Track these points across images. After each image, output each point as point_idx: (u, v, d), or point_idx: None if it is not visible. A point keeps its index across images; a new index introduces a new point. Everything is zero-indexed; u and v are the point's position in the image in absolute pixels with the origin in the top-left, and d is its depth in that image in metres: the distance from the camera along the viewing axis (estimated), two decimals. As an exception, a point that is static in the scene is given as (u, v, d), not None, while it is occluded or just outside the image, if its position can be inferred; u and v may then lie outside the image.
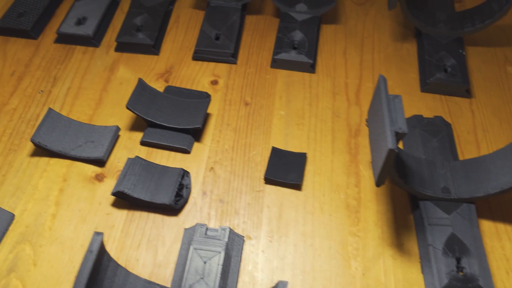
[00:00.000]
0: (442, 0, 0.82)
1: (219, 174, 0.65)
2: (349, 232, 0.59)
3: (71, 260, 0.57)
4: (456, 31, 0.78)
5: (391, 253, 0.57)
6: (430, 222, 0.57)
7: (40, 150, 0.66)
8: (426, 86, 0.74)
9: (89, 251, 0.45)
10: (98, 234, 0.46)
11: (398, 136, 0.47)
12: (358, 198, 0.63)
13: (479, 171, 0.58)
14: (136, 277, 0.53)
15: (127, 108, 0.66)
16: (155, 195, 0.61)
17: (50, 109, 0.67)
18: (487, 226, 0.59)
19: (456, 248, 0.55)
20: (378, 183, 0.53)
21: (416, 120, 0.69)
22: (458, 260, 0.54)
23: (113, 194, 0.60)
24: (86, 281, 0.43)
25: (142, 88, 0.69)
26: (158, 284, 0.53)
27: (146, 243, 0.58)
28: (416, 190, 0.58)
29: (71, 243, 0.58)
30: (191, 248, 0.55)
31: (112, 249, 0.58)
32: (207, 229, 0.57)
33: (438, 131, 0.67)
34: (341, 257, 0.57)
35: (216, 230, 0.57)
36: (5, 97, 0.73)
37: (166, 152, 0.67)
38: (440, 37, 0.78)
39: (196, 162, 0.66)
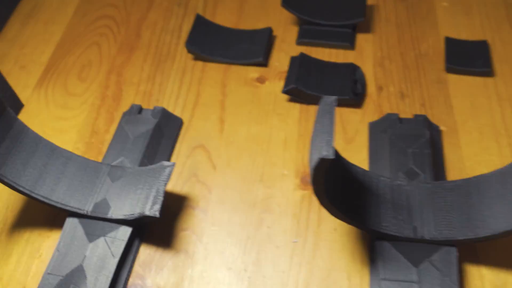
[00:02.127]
0: None
1: (390, 69, 0.59)
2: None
3: (253, 161, 0.52)
4: None
5: None
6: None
7: (192, 58, 0.62)
8: None
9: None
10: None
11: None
12: (559, 82, 0.55)
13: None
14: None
15: (283, 6, 0.61)
16: (330, 90, 0.55)
17: (198, 15, 0.63)
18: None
19: None
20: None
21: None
22: None
23: (285, 91, 0.55)
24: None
25: (294, -15, 0.63)
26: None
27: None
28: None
29: (247, 144, 0.54)
30: (388, 133, 0.50)
31: (290, 149, 0.53)
32: (399, 118, 0.51)
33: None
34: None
35: (409, 120, 0.51)
36: (142, 12, 0.69)
37: (327, 50, 0.61)
38: None
39: (361, 58, 0.60)
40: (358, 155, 0.52)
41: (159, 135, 0.53)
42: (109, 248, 0.45)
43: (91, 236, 0.45)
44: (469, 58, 0.57)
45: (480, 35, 0.61)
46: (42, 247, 0.47)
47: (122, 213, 0.45)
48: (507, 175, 0.40)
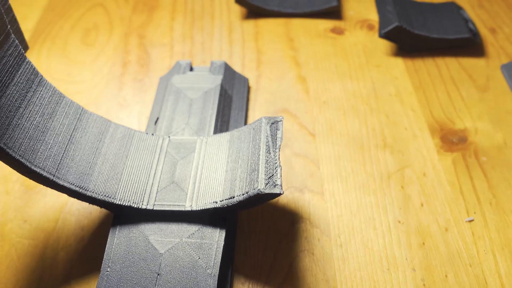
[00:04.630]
0: None
1: (495, 10, 0.47)
2: None
3: (365, 122, 0.37)
4: None
5: None
6: None
7: (238, 13, 0.47)
8: None
9: None
10: None
11: None
12: None
13: None
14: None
15: None
16: (439, 30, 0.42)
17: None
18: None
19: None
20: None
21: None
22: None
23: (385, 33, 0.41)
24: None
25: None
26: None
27: (455, 89, 0.39)
28: None
29: (349, 103, 0.38)
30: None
31: (411, 104, 0.38)
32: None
33: None
34: None
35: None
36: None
37: (409, -4, 0.49)
38: None
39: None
40: (502, 103, 0.38)
41: (228, 98, 0.37)
42: (197, 259, 0.27)
43: (162, 243, 0.27)
44: None
45: None
46: (72, 268, 0.28)
47: (211, 200, 0.28)
48: None
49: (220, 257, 0.27)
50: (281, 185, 0.26)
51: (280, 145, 0.28)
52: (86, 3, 0.49)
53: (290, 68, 0.42)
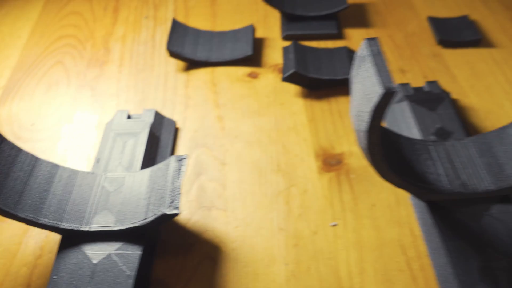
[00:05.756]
0: None
1: (383, 51, 0.57)
2: (559, 70, 0.52)
3: (266, 151, 0.47)
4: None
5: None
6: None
7: (173, 64, 0.57)
8: None
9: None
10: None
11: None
12: (546, 42, 0.56)
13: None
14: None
15: (265, 1, 0.58)
16: (330, 72, 0.52)
17: (174, 19, 0.59)
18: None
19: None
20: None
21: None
22: None
23: (285, 78, 0.51)
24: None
25: (267, -18, 0.61)
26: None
27: (339, 120, 0.49)
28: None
29: (255, 136, 0.48)
30: (405, 101, 0.47)
31: (303, 134, 0.48)
32: (410, 86, 0.49)
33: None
34: None
35: (422, 88, 0.49)
36: (107, 28, 0.64)
37: (314, 43, 0.59)
38: None
39: (350, 45, 0.58)
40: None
41: (155, 138, 0.47)
42: (121, 265, 0.37)
43: (95, 255, 0.37)
44: (457, 31, 0.57)
45: (457, 12, 0.62)
46: (32, 278, 0.38)
47: (132, 221, 0.38)
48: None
49: (137, 263, 0.36)
50: (178, 208, 0.36)
51: (182, 177, 0.38)
52: (48, 61, 0.59)
53: (211, 109, 0.52)
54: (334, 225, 0.41)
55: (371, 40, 0.34)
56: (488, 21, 0.60)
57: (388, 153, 0.38)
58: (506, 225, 0.37)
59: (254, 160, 0.46)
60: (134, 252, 0.37)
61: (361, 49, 0.34)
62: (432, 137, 0.44)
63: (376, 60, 0.32)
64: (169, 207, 0.36)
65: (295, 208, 0.42)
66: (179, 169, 0.39)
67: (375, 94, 0.30)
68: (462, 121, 0.45)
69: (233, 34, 0.59)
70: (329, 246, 0.39)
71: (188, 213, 0.42)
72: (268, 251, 0.39)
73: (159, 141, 0.47)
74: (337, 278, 0.37)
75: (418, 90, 0.49)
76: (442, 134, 0.44)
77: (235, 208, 0.42)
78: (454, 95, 0.51)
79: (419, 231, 0.40)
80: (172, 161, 0.40)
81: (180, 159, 0.40)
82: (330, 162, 0.45)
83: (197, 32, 0.59)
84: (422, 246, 0.39)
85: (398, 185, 0.37)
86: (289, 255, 0.39)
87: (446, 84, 0.52)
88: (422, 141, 0.42)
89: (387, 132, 0.40)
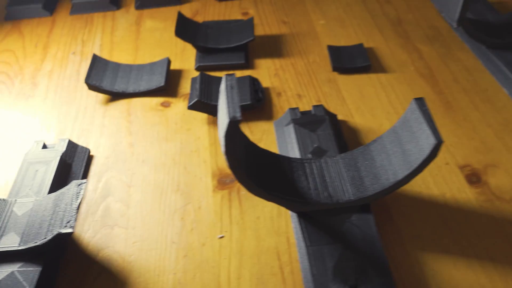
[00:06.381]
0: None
1: (285, 78, 0.63)
2: (432, 91, 0.59)
3: (168, 173, 0.52)
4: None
5: None
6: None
7: (94, 96, 0.62)
8: None
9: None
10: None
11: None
12: (429, 67, 0.63)
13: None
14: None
15: (177, 35, 0.64)
16: (232, 100, 0.58)
17: (94, 54, 0.64)
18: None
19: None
20: (459, 21, 0.53)
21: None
22: None
23: (190, 106, 0.57)
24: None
25: (183, 20, 0.67)
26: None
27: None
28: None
29: (160, 160, 0.53)
30: (292, 125, 0.52)
31: (204, 156, 0.53)
32: (298, 111, 0.55)
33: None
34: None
35: (309, 111, 0.55)
36: (36, 64, 0.69)
37: (224, 73, 0.65)
38: None
39: (258, 73, 0.64)
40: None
41: (66, 166, 0.51)
42: (22, 281, 0.41)
43: (1, 273, 0.41)
44: (351, 58, 0.64)
45: (356, 41, 0.68)
46: None
47: (34, 241, 0.42)
48: (395, 132, 0.44)
49: (37, 278, 0.41)
50: (73, 227, 0.41)
51: (80, 199, 0.43)
52: (-22, 97, 0.64)
53: (124, 136, 0.57)
54: (221, 237, 0.46)
55: (228, 76, 0.40)
56: (382, 48, 0.67)
57: (258, 171, 0.43)
58: (362, 230, 0.43)
59: (157, 182, 0.51)
60: (35, 269, 0.42)
61: (221, 83, 0.40)
62: (309, 155, 0.49)
63: (228, 93, 0.38)
64: (65, 226, 0.41)
65: (189, 223, 0.47)
66: (78, 192, 0.44)
67: (225, 123, 0.36)
68: (338, 140, 0.51)
69: (150, 67, 0.64)
70: (214, 255, 0.44)
71: (92, 232, 0.47)
72: (159, 263, 0.44)
73: (71, 168, 0.52)
74: (217, 284, 0.42)
75: (305, 113, 0.55)
76: (318, 152, 0.49)
77: (135, 226, 0.47)
78: (342, 116, 0.57)
79: (294, 239, 0.45)
80: (72, 185, 0.45)
81: (80, 184, 0.44)
82: (225, 181, 0.51)
83: (117, 66, 0.64)
84: (294, 253, 0.44)
85: (267, 198, 0.43)
86: (178, 265, 0.44)
87: (336, 106, 0.58)
88: (299, 159, 0.47)
89: (262, 153, 0.46)
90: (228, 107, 0.36)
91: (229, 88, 0.38)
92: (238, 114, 0.35)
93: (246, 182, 0.41)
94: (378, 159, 0.45)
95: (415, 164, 0.41)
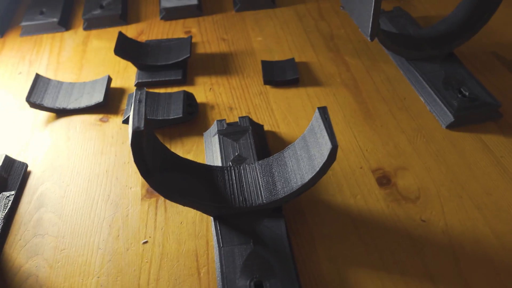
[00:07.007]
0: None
1: (219, 92, 0.67)
2: (355, 101, 0.63)
3: (100, 184, 0.55)
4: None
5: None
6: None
7: (37, 112, 0.65)
8: None
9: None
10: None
11: None
12: (354, 78, 0.67)
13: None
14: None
15: (115, 54, 0.67)
16: (167, 113, 0.61)
17: (37, 74, 0.67)
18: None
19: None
20: (371, 36, 0.58)
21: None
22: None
23: (124, 121, 0.60)
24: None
25: (124, 38, 0.70)
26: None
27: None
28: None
29: (94, 172, 0.56)
30: (218, 135, 0.56)
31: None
32: (225, 122, 0.58)
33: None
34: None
35: (235, 123, 0.59)
36: (-17, 85, 0.71)
37: (163, 89, 0.68)
38: None
39: (193, 89, 0.68)
40: (201, 161, 0.57)
41: (2, 180, 0.54)
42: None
43: None
44: (282, 71, 0.68)
45: (289, 56, 0.72)
46: None
47: None
48: (304, 139, 0.48)
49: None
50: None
51: (7, 211, 0.46)
52: None
53: (62, 151, 0.59)
54: (145, 242, 0.49)
55: (138, 90, 0.43)
56: (313, 62, 0.71)
57: (175, 179, 0.46)
58: (272, 231, 0.46)
59: (89, 192, 0.54)
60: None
61: (133, 96, 0.43)
62: (230, 163, 0.53)
63: (135, 107, 0.41)
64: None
65: (115, 230, 0.50)
66: (6, 204, 0.46)
67: (130, 133, 0.39)
68: (258, 149, 0.55)
69: (91, 84, 0.67)
70: (137, 259, 0.47)
71: (23, 241, 0.49)
72: (85, 267, 0.47)
73: (7, 182, 0.54)
74: (137, 285, 0.45)
75: (231, 124, 0.58)
76: (238, 160, 0.53)
77: (65, 234, 0.50)
78: (269, 126, 0.61)
79: (213, 241, 0.48)
80: (0, 197, 0.47)
81: (8, 196, 0.47)
82: (153, 190, 0.54)
83: (60, 84, 0.67)
84: (212, 254, 0.47)
85: (183, 203, 0.46)
86: (101, 270, 0.46)
87: (265, 117, 0.62)
88: (220, 167, 0.51)
89: (182, 162, 0.49)
90: (133, 118, 0.40)
91: (137, 102, 0.42)
92: (142, 125, 0.39)
93: (158, 188, 0.44)
94: (289, 164, 0.48)
95: (317, 168, 0.44)
